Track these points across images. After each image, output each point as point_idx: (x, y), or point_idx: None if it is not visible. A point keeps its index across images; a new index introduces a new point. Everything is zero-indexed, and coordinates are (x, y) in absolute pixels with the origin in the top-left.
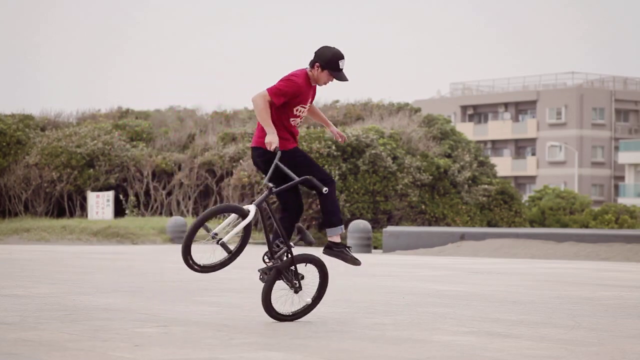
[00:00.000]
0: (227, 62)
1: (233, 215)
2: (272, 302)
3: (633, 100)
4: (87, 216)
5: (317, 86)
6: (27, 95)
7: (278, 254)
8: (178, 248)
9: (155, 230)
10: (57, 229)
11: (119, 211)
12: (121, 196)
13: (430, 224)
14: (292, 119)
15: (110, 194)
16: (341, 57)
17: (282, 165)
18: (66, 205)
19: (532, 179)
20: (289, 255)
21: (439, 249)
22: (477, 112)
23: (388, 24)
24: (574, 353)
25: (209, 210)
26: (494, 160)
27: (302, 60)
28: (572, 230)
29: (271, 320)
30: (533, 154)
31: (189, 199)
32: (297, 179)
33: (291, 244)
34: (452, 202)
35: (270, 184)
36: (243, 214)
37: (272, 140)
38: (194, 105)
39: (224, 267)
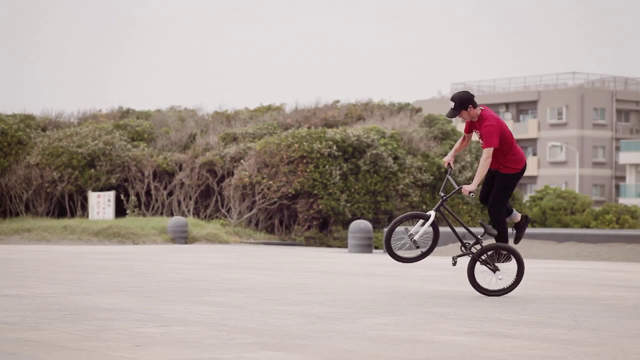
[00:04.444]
0: (229, 62)
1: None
2: (479, 281)
3: (634, 101)
4: (88, 216)
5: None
6: (29, 95)
7: (470, 245)
8: (179, 248)
9: (156, 230)
10: (58, 229)
11: (120, 211)
12: (122, 196)
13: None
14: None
15: (111, 194)
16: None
17: (450, 179)
18: (67, 205)
19: (533, 179)
20: (480, 246)
21: (440, 249)
22: None
23: (389, 24)
24: (574, 353)
25: (400, 217)
26: None
27: (302, 60)
28: (573, 230)
29: (272, 320)
30: (534, 154)
31: (190, 199)
32: (456, 187)
33: (479, 237)
34: (453, 202)
35: (442, 194)
36: (425, 218)
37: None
38: (195, 105)
39: (420, 259)
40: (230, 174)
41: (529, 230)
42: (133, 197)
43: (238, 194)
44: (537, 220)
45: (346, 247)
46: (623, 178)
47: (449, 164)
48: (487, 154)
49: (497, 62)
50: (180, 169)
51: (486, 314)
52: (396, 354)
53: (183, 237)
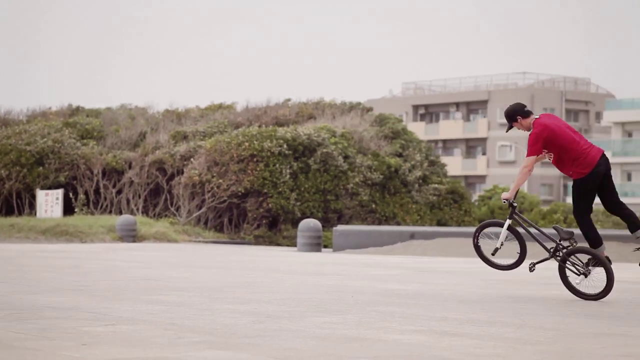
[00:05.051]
0: (181, 61)
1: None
2: (575, 286)
3: (583, 101)
4: (36, 214)
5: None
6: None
7: (553, 251)
8: (127, 246)
9: (105, 229)
10: (5, 227)
11: (68, 209)
12: (71, 194)
13: (380, 223)
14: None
15: (59, 192)
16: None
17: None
18: (15, 203)
19: (482, 178)
20: (563, 252)
21: (389, 247)
22: (429, 112)
23: (340, 23)
24: (520, 352)
25: (481, 224)
26: (444, 159)
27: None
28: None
29: (220, 319)
30: (483, 154)
31: (139, 197)
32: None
33: (561, 242)
34: (403, 201)
35: (511, 200)
36: (501, 224)
37: None
38: (146, 103)
39: (513, 268)
40: (180, 172)
41: None
42: (82, 196)
43: (187, 193)
44: (485, 219)
45: (295, 246)
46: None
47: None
48: (525, 162)
49: (448, 61)
50: (130, 167)
51: (433, 312)
52: (344, 353)
53: (132, 235)
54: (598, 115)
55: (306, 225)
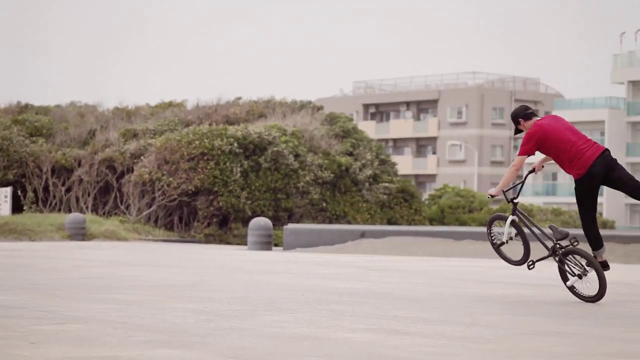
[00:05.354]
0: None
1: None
2: (572, 287)
3: (532, 101)
4: None
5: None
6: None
7: (552, 250)
8: (77, 245)
9: (54, 227)
10: None
11: (17, 207)
12: (19, 192)
13: (331, 222)
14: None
15: (7, 190)
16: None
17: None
18: None
19: (432, 177)
20: (560, 251)
21: (339, 246)
22: (379, 111)
23: (291, 22)
24: (470, 350)
25: (489, 219)
26: (395, 158)
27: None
28: (471, 228)
29: (170, 317)
30: (434, 153)
31: (89, 195)
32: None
33: (557, 242)
34: (353, 200)
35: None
36: (504, 218)
37: None
38: (95, 101)
39: (521, 264)
40: (130, 170)
41: (428, 228)
42: (30, 194)
43: (137, 191)
44: (435, 218)
45: (246, 244)
46: (520, 177)
47: (533, 168)
48: (515, 160)
49: (399, 61)
50: (79, 165)
51: (384, 311)
52: (294, 351)
53: (81, 234)
54: None
55: (257, 223)
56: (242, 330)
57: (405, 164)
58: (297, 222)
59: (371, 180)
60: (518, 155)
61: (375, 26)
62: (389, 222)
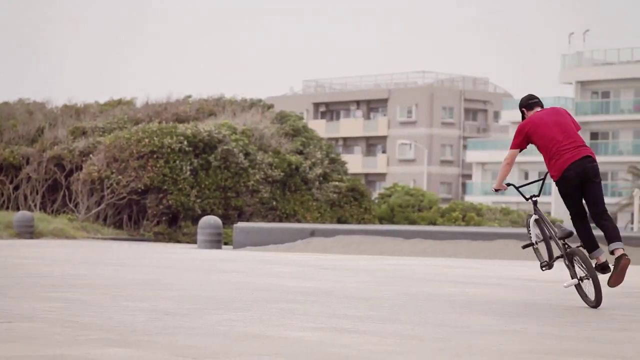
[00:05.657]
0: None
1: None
2: (579, 289)
3: (481, 100)
4: None
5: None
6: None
7: (562, 250)
8: (25, 243)
9: (2, 225)
10: None
11: None
12: None
13: (281, 220)
14: None
15: None
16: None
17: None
18: None
19: (382, 176)
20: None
21: (289, 245)
22: (329, 110)
23: (242, 19)
24: (419, 348)
25: (526, 220)
26: (345, 157)
27: (154, 55)
28: (420, 227)
29: (119, 316)
30: (383, 152)
31: (37, 193)
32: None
33: (565, 242)
34: (303, 199)
35: (528, 196)
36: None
37: None
38: (44, 98)
39: (550, 266)
40: (79, 168)
41: (378, 227)
42: None
43: (86, 189)
44: (385, 217)
45: (195, 242)
46: (470, 176)
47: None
48: (507, 154)
49: (349, 60)
50: (28, 162)
51: (334, 310)
52: (244, 350)
53: (29, 232)
54: (496, 115)
55: (206, 222)
56: (191, 329)
57: (355, 162)
58: (247, 220)
59: (321, 179)
60: (510, 149)
61: (326, 25)
62: (339, 221)
